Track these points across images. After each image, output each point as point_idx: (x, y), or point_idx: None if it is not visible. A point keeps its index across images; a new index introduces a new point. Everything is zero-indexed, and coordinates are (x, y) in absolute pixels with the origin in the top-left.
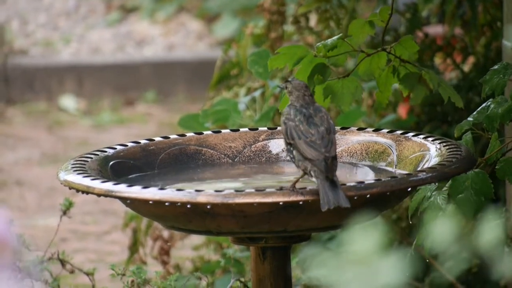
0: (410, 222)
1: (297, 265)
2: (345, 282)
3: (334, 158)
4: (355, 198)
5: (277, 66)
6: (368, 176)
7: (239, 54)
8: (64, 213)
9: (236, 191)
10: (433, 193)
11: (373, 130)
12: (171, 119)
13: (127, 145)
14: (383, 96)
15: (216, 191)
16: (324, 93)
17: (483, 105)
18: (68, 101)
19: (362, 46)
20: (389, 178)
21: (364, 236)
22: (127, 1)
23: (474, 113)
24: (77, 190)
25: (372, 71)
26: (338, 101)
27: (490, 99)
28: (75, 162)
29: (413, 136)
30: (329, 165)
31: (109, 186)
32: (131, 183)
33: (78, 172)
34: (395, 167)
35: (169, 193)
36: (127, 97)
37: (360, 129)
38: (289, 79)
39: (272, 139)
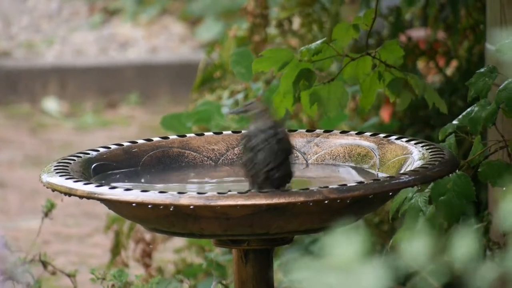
0: (390, 221)
1: (278, 268)
2: (326, 286)
3: None
4: (338, 201)
5: (261, 69)
6: (350, 178)
7: (222, 56)
8: (46, 214)
9: (219, 193)
10: (414, 195)
11: (356, 133)
12: (154, 121)
13: (110, 148)
14: (366, 101)
15: (199, 193)
16: (311, 100)
17: (469, 109)
18: (51, 104)
19: (345, 50)
20: (372, 181)
21: (346, 240)
22: (110, 3)
23: (460, 116)
24: (60, 192)
25: (357, 75)
26: (324, 107)
27: (476, 103)
28: (57, 164)
29: (396, 139)
30: None
31: (91, 188)
32: (113, 182)
33: (60, 174)
34: (378, 170)
35: (152, 195)
36: (110, 100)
37: (343, 132)
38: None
39: None
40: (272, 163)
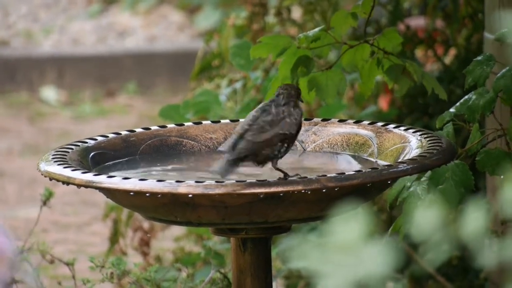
0: (389, 210)
1: (277, 256)
2: (326, 273)
3: None
4: (336, 189)
5: (259, 55)
6: (349, 166)
7: (221, 45)
8: (44, 203)
9: (217, 182)
10: (413, 183)
11: (354, 122)
12: (152, 110)
13: (108, 136)
14: (365, 87)
15: (197, 181)
16: (309, 86)
17: (466, 96)
18: (49, 93)
19: (344, 38)
20: (370, 170)
21: (345, 227)
22: None
23: (457, 104)
24: (58, 181)
25: (355, 63)
26: (322, 94)
27: (473, 91)
28: (56, 153)
29: (394, 128)
30: None
31: (89, 177)
32: (111, 172)
33: (59, 163)
34: (376, 159)
35: (150, 184)
36: (108, 89)
37: (341, 120)
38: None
39: None
40: None
